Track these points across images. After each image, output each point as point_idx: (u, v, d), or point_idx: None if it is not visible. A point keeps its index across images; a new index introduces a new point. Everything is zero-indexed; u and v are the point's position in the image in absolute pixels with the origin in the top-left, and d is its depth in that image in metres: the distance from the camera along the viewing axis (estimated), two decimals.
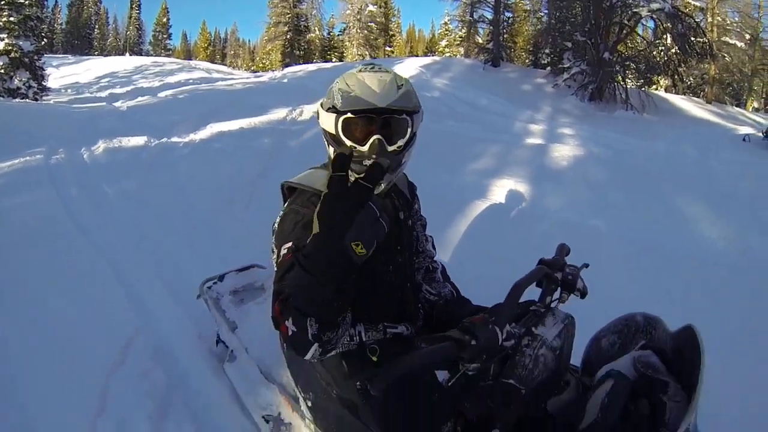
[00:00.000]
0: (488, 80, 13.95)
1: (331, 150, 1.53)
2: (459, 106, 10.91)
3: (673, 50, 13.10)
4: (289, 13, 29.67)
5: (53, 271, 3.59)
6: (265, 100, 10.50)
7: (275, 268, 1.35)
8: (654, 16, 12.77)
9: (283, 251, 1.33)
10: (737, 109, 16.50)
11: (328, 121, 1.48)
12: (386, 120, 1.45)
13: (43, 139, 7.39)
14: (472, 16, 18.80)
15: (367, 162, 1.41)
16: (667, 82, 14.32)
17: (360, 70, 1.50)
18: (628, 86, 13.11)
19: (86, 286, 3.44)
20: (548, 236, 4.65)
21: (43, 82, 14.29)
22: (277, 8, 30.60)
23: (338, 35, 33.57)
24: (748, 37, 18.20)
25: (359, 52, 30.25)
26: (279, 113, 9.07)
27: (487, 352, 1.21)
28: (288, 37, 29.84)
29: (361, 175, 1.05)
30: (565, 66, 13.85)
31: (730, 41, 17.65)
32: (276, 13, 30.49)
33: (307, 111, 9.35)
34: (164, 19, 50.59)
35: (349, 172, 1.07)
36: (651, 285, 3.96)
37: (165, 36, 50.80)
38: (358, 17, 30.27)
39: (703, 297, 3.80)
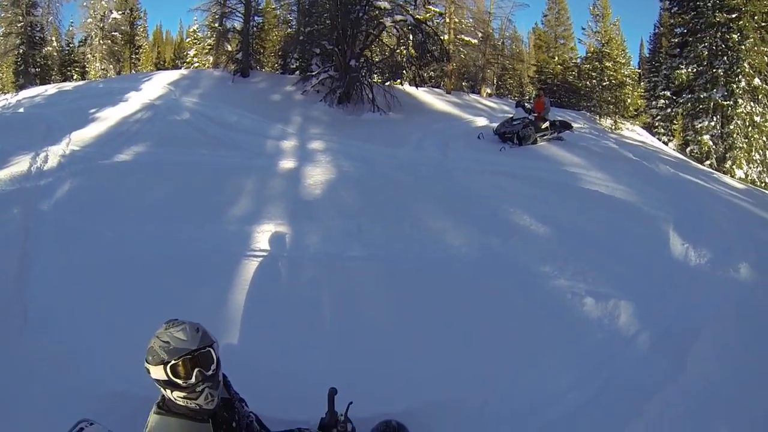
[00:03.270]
0: (238, 93, 13.93)
1: (168, 392, 2.07)
2: (210, 128, 10.75)
3: (414, 56, 14.57)
4: (21, 22, 24.96)
5: None
6: (0, 143, 9.05)
7: None
8: (396, 26, 14.00)
9: None
10: (473, 96, 19.36)
11: (159, 372, 2.05)
12: (200, 356, 2.07)
13: None
14: (221, 25, 18.46)
15: (199, 389, 2.04)
16: (411, 74, 15.83)
17: (166, 328, 2.10)
18: (374, 84, 14.22)
19: None
20: (315, 283, 5.06)
21: None
22: (6, 14, 25.33)
23: (79, 47, 29.59)
24: (480, 35, 22.46)
25: (103, 66, 27.17)
26: (22, 164, 7.91)
27: None
28: (21, 51, 25.21)
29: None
30: (314, 72, 14.49)
31: (465, 38, 21.20)
32: (5, 21, 25.24)
33: (52, 154, 8.41)
34: None
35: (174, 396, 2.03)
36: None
37: None
38: (101, 25, 27.08)
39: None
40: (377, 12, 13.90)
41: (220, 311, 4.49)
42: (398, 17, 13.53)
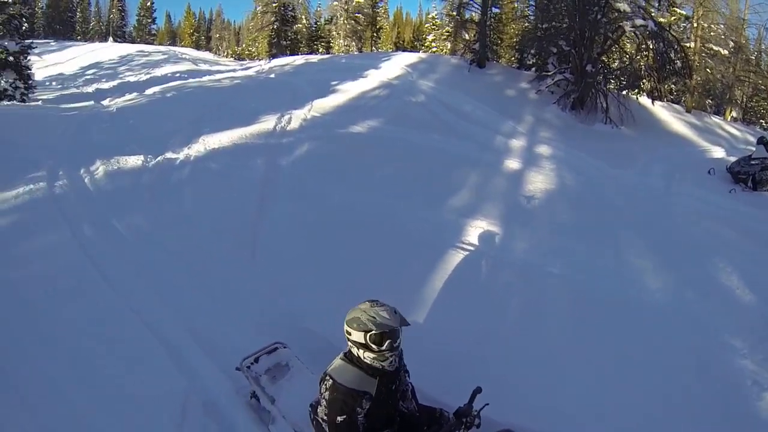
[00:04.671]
0: (473, 83, 14.30)
1: (360, 351, 2.76)
2: (443, 113, 11.42)
3: (653, 66, 13.71)
4: (276, 3, 29.69)
5: (94, 334, 4.39)
6: (253, 103, 11.06)
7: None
8: (637, 32, 13.41)
9: (339, 419, 2.67)
10: (715, 119, 17.29)
11: (360, 337, 2.71)
12: (395, 332, 2.74)
13: (40, 157, 7.92)
14: (459, 15, 19.15)
15: (387, 355, 2.74)
16: (650, 85, 14.96)
17: (371, 306, 2.76)
18: (609, 93, 13.69)
19: (129, 348, 4.27)
20: (509, 288, 5.58)
21: (29, 81, 14.44)
22: None
23: (325, 24, 33.78)
24: (731, 44, 19.47)
25: (346, 43, 30.76)
26: (268, 122, 9.60)
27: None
28: (275, 27, 29.91)
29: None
30: (549, 72, 14.42)
31: (715, 47, 18.77)
32: (263, 2, 30.65)
33: (295, 118, 9.90)
34: (148, 3, 50.14)
35: (365, 356, 2.73)
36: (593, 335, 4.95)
37: (149, 20, 50.42)
38: (346, 7, 30.63)
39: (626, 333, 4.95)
40: (617, 14, 13.41)
41: (418, 290, 5.32)
42: (639, 22, 12.91)
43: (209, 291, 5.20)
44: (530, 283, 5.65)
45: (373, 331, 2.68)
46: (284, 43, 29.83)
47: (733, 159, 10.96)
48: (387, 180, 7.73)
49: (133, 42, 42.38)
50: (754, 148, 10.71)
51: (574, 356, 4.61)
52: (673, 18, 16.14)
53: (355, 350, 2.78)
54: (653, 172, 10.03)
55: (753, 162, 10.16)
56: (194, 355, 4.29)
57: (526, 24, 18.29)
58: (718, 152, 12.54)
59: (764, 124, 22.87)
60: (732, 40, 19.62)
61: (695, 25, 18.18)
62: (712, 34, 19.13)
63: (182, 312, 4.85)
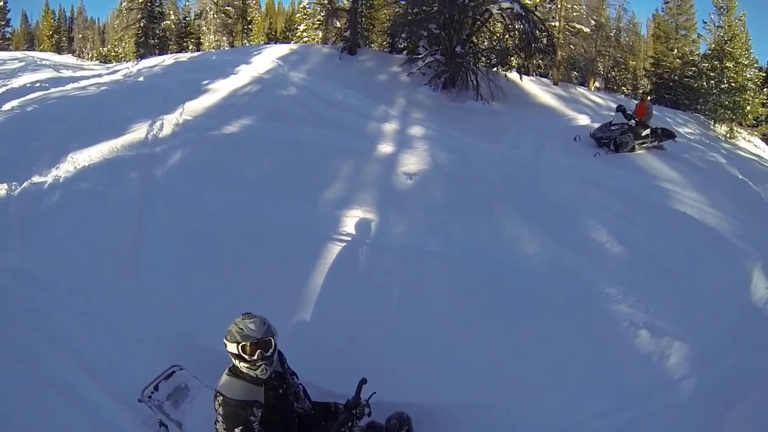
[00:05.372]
0: (345, 71, 14.30)
1: (237, 362, 2.90)
2: (315, 105, 11.29)
3: (521, 45, 14.32)
4: None
5: None
6: (123, 111, 10.33)
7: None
8: (504, 14, 13.88)
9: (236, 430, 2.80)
10: (580, 89, 18.66)
11: (233, 348, 2.86)
12: (262, 342, 2.86)
13: None
14: (330, 3, 18.97)
15: (258, 364, 2.86)
16: (518, 62, 15.70)
17: (243, 319, 2.92)
18: (479, 71, 14.11)
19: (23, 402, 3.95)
20: (389, 273, 5.68)
21: None
22: None
23: (194, 20, 31.88)
24: (593, 23, 21.73)
25: (216, 39, 29.29)
26: (139, 130, 8.98)
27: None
28: (142, 24, 27.70)
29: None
30: (420, 55, 14.68)
31: (577, 26, 20.50)
32: None
33: (167, 123, 9.39)
34: (1, 3, 44.08)
35: (240, 365, 2.86)
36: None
37: (2, 23, 44.15)
38: (215, 1, 29.09)
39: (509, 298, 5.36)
40: None
41: (300, 288, 5.30)
42: (505, 5, 13.36)
43: (97, 323, 4.85)
44: (409, 266, 5.80)
45: (241, 343, 2.84)
46: (152, 41, 27.77)
47: (597, 125, 11.73)
48: (259, 179, 7.54)
49: None
50: (614, 115, 11.51)
51: (458, 332, 4.87)
52: (538, 0, 16.97)
53: (234, 362, 2.93)
54: (524, 143, 10.45)
55: (613, 127, 10.98)
56: (92, 393, 4.11)
57: (397, 9, 18.43)
58: (584, 120, 13.33)
59: (625, 91, 25.11)
60: (593, 19, 21.90)
61: (559, 6, 19.59)
62: (574, 14, 21.01)
63: (73, 352, 4.53)
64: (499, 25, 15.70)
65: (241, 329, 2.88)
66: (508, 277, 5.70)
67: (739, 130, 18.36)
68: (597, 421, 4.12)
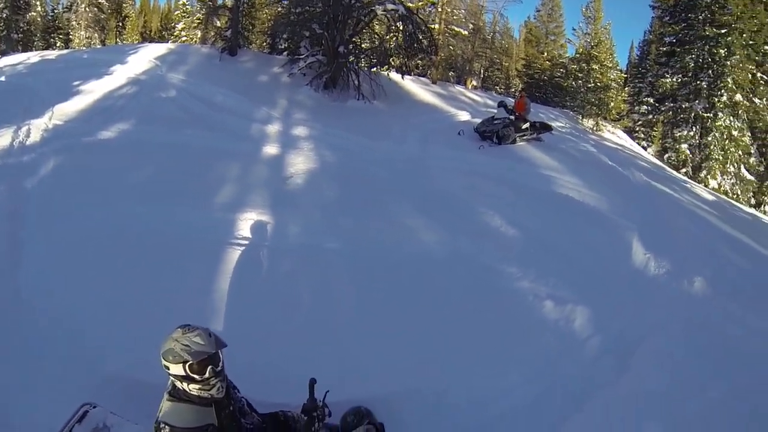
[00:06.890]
0: (225, 72, 13.83)
1: (184, 385, 2.51)
2: (196, 107, 10.78)
3: (404, 45, 14.70)
4: None
5: None
6: None
7: None
8: (388, 15, 14.17)
9: None
10: (458, 87, 19.69)
11: (179, 369, 2.46)
12: (214, 357, 2.51)
13: None
14: (211, 1, 18.26)
15: (212, 382, 2.53)
16: (399, 62, 15.97)
17: (184, 333, 2.50)
18: (361, 71, 14.28)
19: None
20: (293, 274, 5.50)
21: None
22: None
23: (63, 13, 28.98)
24: (471, 27, 23.41)
25: (87, 35, 26.85)
26: (3, 137, 7.99)
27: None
28: (4, 15, 24.57)
29: None
30: (302, 55, 14.47)
31: (456, 29, 21.77)
32: None
33: (35, 129, 8.42)
34: None
35: (190, 388, 2.49)
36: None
37: None
38: None
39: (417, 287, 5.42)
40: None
41: (205, 299, 4.89)
42: (390, 6, 13.63)
43: None
44: (311, 265, 5.66)
45: (190, 361, 2.46)
46: (16, 36, 24.97)
47: (477, 121, 12.28)
48: (142, 186, 6.95)
49: None
50: (495, 111, 12.20)
51: (373, 324, 4.86)
52: (420, 3, 17.64)
53: (178, 384, 2.55)
54: (409, 139, 10.67)
55: (496, 121, 11.59)
56: None
57: (279, 9, 18.10)
58: (464, 116, 13.87)
59: (499, 89, 26.87)
60: (471, 23, 23.59)
61: (440, 9, 20.73)
62: (454, 17, 22.20)
63: None
64: (379, 26, 15.99)
65: (187, 345, 2.47)
66: (411, 266, 5.74)
67: (604, 123, 19.92)
68: (521, 387, 4.32)
